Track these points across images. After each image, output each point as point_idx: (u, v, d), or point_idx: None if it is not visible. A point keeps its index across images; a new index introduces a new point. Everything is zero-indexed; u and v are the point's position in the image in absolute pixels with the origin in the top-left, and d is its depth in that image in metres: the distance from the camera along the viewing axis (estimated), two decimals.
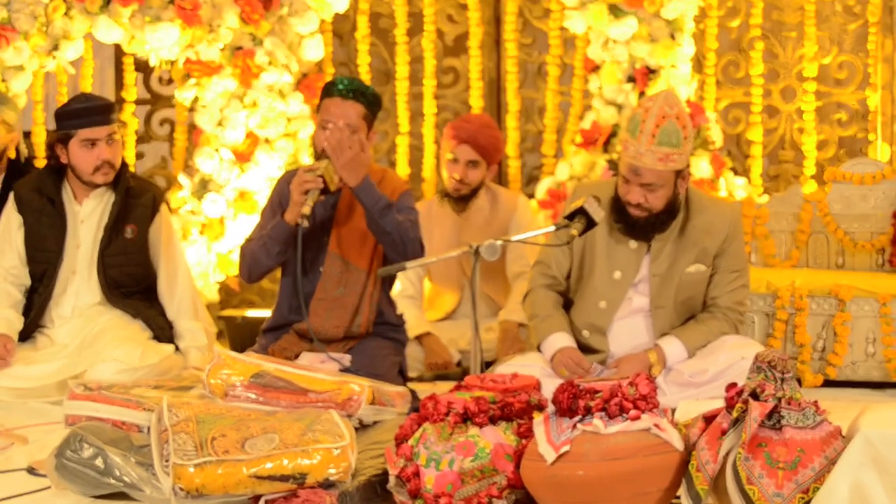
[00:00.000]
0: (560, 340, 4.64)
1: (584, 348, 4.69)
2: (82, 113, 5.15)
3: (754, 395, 3.34)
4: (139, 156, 7.08)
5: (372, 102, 4.88)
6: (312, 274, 4.91)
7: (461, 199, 5.80)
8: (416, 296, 5.93)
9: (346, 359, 4.76)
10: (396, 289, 6.03)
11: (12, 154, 5.66)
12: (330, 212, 4.94)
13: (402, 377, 5.00)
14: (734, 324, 4.69)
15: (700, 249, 4.66)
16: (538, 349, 4.71)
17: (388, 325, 5.00)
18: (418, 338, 5.66)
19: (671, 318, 4.68)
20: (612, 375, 4.54)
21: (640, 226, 4.59)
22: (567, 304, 4.79)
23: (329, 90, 4.88)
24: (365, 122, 4.85)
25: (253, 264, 4.89)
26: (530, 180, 7.03)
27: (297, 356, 4.79)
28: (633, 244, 4.65)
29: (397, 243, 4.73)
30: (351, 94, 4.84)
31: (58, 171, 5.27)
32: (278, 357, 4.68)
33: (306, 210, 4.63)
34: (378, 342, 4.93)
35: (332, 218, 4.94)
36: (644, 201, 4.53)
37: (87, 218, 5.27)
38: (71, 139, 5.15)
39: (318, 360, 4.70)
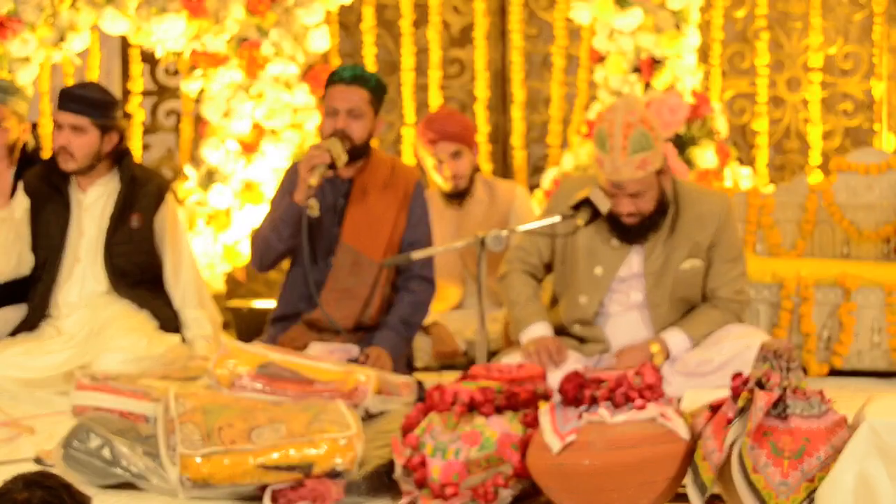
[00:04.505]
0: (539, 329, 4.63)
1: (582, 341, 4.69)
2: (63, 95, 5.20)
3: (760, 385, 3.34)
4: (145, 147, 7.09)
5: (376, 88, 4.88)
6: (322, 263, 4.89)
7: (461, 194, 5.78)
8: None
9: (355, 350, 4.76)
10: None
11: (20, 145, 5.67)
12: (342, 201, 4.93)
13: (409, 367, 5.01)
14: (736, 314, 4.68)
15: (692, 244, 4.64)
16: (516, 337, 4.71)
17: None
18: (424, 328, 5.66)
19: (669, 315, 4.66)
20: (613, 365, 4.55)
21: (636, 230, 4.58)
22: (553, 302, 4.80)
23: (333, 78, 4.88)
24: (371, 107, 4.85)
25: (265, 250, 4.90)
26: (536, 170, 7.02)
27: (305, 346, 4.79)
28: (615, 242, 4.64)
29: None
30: (355, 80, 4.84)
31: None
32: (287, 347, 4.69)
33: (312, 181, 4.62)
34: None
35: (343, 208, 4.93)
36: (635, 209, 4.52)
37: (92, 206, 5.27)
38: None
39: (326, 350, 4.70)
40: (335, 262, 4.87)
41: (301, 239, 4.76)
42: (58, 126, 5.17)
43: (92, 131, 5.17)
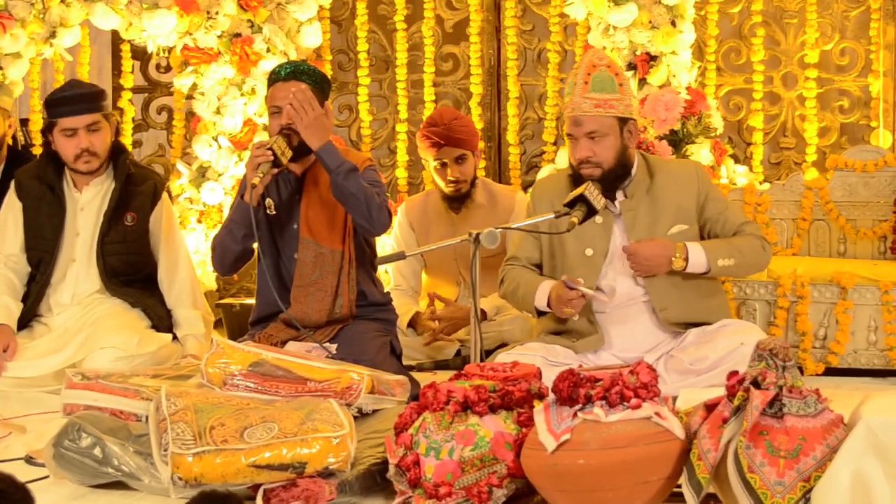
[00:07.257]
0: (547, 285, 4.64)
1: (576, 334, 4.68)
2: (63, 102, 5.14)
3: (755, 384, 3.33)
4: (137, 143, 7.07)
5: (317, 81, 4.87)
6: (287, 261, 4.92)
7: (462, 197, 5.76)
8: (410, 290, 5.89)
9: (332, 347, 4.75)
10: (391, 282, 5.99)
11: (9, 140, 5.65)
12: (296, 196, 4.93)
13: (396, 356, 4.99)
14: (762, 242, 4.68)
15: (676, 208, 4.67)
16: (531, 310, 4.74)
17: (372, 306, 4.99)
18: (412, 324, 5.64)
19: (666, 285, 4.64)
20: (633, 246, 4.55)
21: (598, 184, 4.55)
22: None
23: (272, 78, 4.91)
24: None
25: (223, 252, 4.92)
26: (530, 168, 7.01)
27: (283, 343, 4.79)
28: (598, 219, 4.63)
29: (363, 206, 4.70)
30: (291, 75, 4.85)
31: (58, 158, 5.26)
32: (265, 344, 4.67)
33: (256, 181, 4.62)
34: (363, 325, 4.92)
35: (298, 203, 4.92)
36: (592, 154, 4.56)
37: (87, 205, 5.26)
38: (54, 127, 5.15)
39: (304, 348, 4.69)
40: (299, 257, 4.88)
41: (257, 236, 4.76)
42: (70, 132, 5.12)
43: (105, 125, 5.19)
